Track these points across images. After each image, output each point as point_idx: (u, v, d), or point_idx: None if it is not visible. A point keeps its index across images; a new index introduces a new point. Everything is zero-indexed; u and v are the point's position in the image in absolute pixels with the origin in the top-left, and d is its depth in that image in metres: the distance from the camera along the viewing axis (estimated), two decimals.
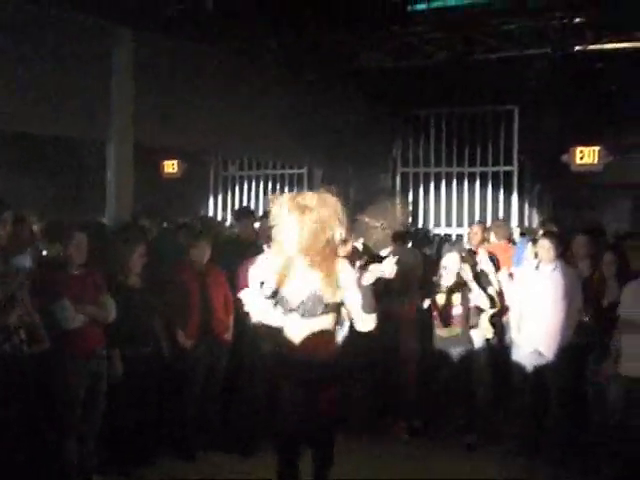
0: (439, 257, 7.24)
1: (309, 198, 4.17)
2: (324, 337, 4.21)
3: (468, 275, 6.72)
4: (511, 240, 8.54)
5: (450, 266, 6.78)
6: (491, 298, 6.90)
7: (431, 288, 6.83)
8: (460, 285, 6.72)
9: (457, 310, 6.75)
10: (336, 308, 4.25)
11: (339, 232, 4.17)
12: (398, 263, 4.27)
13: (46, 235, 6.39)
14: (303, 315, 4.15)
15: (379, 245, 8.04)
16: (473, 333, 6.86)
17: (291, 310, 4.16)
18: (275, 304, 4.15)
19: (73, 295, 5.17)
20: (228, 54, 8.83)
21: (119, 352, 5.51)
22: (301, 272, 4.18)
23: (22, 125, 7.22)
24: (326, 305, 4.16)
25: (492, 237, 8.34)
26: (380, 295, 5.41)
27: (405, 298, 7.03)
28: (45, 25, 6.94)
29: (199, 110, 8.67)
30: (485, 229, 8.48)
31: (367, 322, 4.27)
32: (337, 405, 4.35)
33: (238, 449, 6.21)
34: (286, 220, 4.12)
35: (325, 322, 4.20)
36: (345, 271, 4.24)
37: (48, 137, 8.76)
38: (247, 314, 4.47)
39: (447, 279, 6.74)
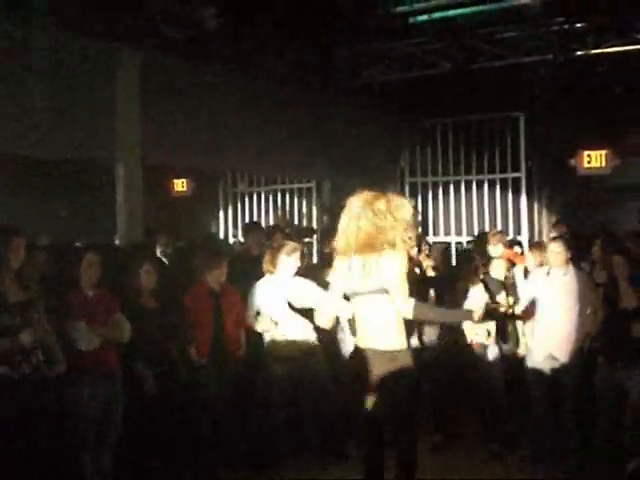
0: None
1: None
2: None
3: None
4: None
5: None
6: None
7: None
8: None
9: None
10: None
11: None
12: None
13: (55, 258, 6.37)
14: None
15: None
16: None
17: None
18: None
19: (87, 316, 5.20)
20: (234, 72, 8.88)
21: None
22: None
23: (29, 149, 7.22)
24: None
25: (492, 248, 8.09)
26: None
27: None
28: (50, 49, 6.99)
29: (207, 128, 8.72)
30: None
31: None
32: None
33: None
34: None
35: None
36: None
37: (56, 160, 8.79)
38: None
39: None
